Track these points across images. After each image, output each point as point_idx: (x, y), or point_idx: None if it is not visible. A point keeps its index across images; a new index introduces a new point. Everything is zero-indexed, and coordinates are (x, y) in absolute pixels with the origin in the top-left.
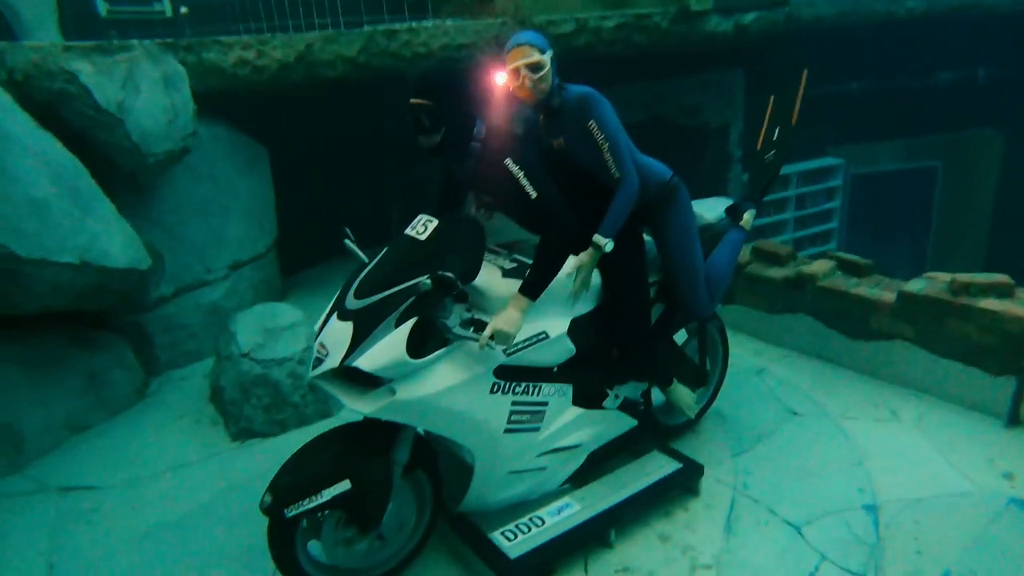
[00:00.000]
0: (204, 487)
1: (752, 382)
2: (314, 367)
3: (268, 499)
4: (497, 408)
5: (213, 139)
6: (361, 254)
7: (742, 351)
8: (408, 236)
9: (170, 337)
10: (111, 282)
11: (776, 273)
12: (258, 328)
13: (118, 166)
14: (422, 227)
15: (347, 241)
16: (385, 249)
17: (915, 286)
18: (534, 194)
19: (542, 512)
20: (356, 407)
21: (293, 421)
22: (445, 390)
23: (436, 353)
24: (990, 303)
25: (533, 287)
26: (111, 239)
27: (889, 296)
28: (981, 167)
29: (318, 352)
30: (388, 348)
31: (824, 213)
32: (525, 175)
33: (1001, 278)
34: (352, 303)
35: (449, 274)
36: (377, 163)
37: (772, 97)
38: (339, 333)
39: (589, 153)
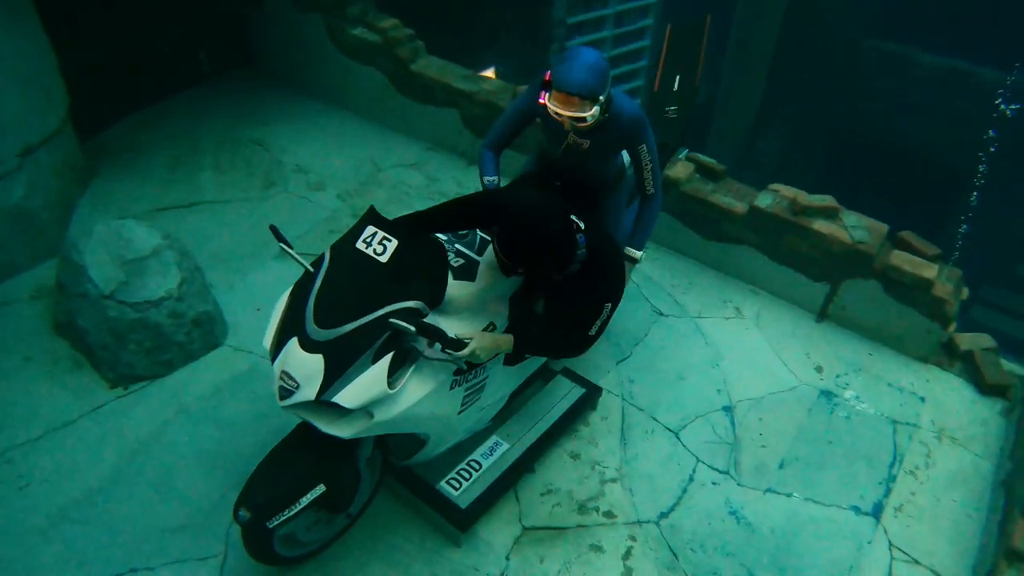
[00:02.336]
0: (101, 448)
1: None
2: (281, 397)
3: (246, 515)
4: (454, 399)
5: None
6: (302, 261)
7: None
8: (365, 255)
9: None
10: None
11: None
12: (112, 259)
13: None
14: (379, 246)
15: (283, 246)
16: (332, 264)
17: (763, 201)
18: (594, 332)
19: (476, 455)
20: (332, 431)
21: (180, 359)
22: (416, 403)
23: (407, 375)
24: (821, 225)
25: (522, 350)
26: None
27: (741, 207)
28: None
29: (283, 381)
30: (369, 385)
31: (639, 31)
32: (607, 317)
33: (830, 202)
34: (317, 332)
35: (433, 326)
36: None
37: (669, 27)
38: (309, 365)
39: (609, 159)
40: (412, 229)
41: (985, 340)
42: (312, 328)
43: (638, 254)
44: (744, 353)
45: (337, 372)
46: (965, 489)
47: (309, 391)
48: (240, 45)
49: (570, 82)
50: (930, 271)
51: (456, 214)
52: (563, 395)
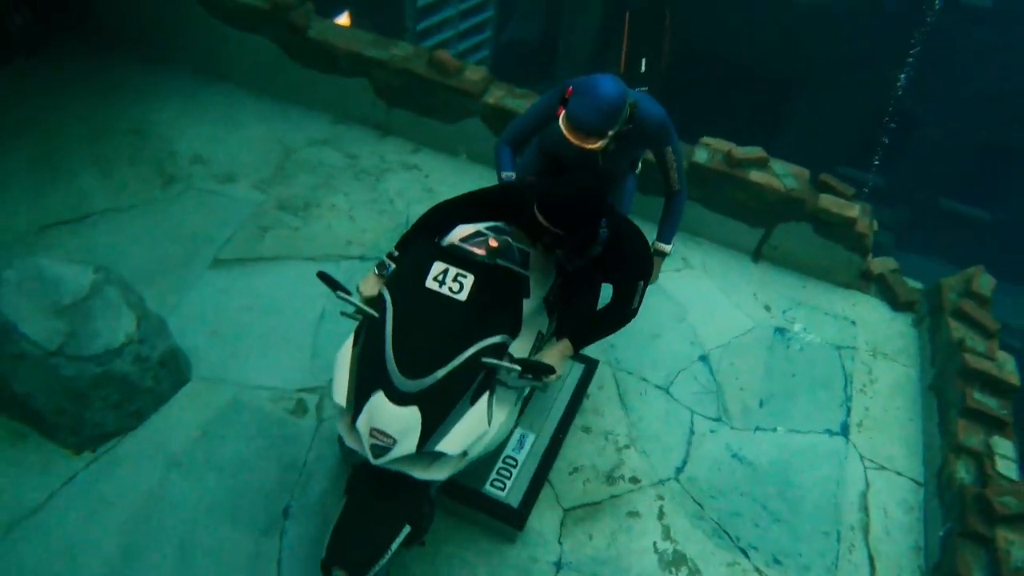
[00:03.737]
0: (93, 526)
1: None
2: (375, 456)
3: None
4: (516, 414)
5: None
6: (367, 309)
7: None
8: (440, 295)
9: None
10: None
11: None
12: (43, 308)
13: None
14: (455, 283)
15: (340, 293)
16: (398, 307)
17: (700, 156)
18: (636, 305)
19: (509, 452)
20: (429, 477)
21: (150, 406)
22: (499, 429)
23: (495, 404)
24: (757, 176)
25: (580, 348)
26: None
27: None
28: None
29: (375, 439)
30: (472, 428)
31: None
32: (642, 291)
33: (760, 153)
34: (406, 383)
35: (535, 361)
36: None
37: (627, 13)
38: (404, 419)
39: (627, 159)
40: (483, 261)
41: (890, 263)
42: (399, 379)
43: (668, 247)
44: (703, 303)
45: (436, 422)
46: (903, 397)
47: (408, 445)
48: (71, 2)
49: (580, 124)
50: (852, 211)
51: (479, 207)
52: (567, 375)
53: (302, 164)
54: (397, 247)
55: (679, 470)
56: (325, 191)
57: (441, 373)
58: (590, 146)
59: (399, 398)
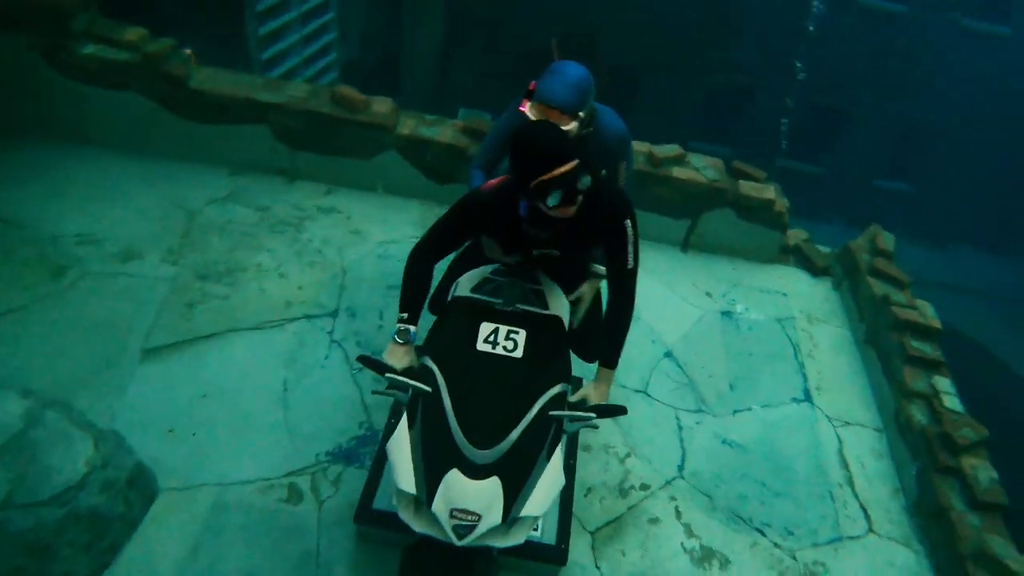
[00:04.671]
0: None
1: None
2: (460, 537)
3: None
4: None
5: None
6: (419, 385)
7: None
8: (495, 356)
9: None
10: None
11: None
12: None
13: None
14: (508, 342)
15: (390, 375)
16: (450, 377)
17: None
18: (632, 263)
19: None
20: (510, 543)
21: (124, 534)
22: (561, 474)
23: (557, 451)
24: (679, 172)
25: (616, 358)
26: None
27: None
28: None
29: (458, 520)
30: (552, 485)
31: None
32: (634, 241)
33: (678, 151)
34: (481, 455)
35: (607, 405)
36: None
37: (554, 41)
38: (486, 493)
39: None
40: (534, 315)
41: (802, 234)
42: (472, 452)
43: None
44: (651, 301)
45: (518, 487)
46: (845, 355)
47: (494, 518)
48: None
49: (552, 97)
50: (769, 192)
51: (451, 234)
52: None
53: (210, 226)
54: (404, 309)
55: (680, 467)
56: (245, 251)
57: (515, 436)
58: (563, 127)
59: (476, 472)
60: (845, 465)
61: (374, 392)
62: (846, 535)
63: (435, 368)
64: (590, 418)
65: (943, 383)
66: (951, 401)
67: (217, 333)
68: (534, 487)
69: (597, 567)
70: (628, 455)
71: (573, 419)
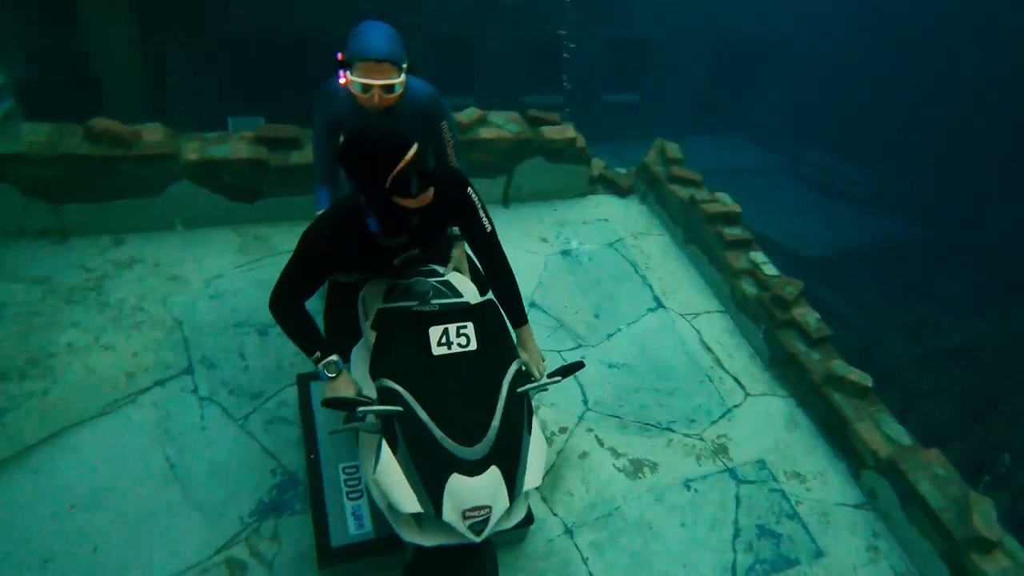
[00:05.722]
0: None
1: None
2: (478, 533)
3: None
4: None
5: None
6: (390, 408)
7: None
8: (453, 356)
9: None
10: None
11: None
12: None
13: None
14: (461, 339)
15: (362, 408)
16: (416, 389)
17: None
18: (489, 226)
19: None
20: (515, 520)
21: None
22: (543, 440)
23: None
24: (485, 132)
25: (523, 313)
26: None
27: None
28: None
29: (472, 518)
30: (539, 453)
31: None
32: (482, 206)
33: (480, 112)
34: (472, 452)
35: (570, 365)
36: None
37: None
38: (489, 484)
39: (424, 146)
40: (473, 306)
41: (600, 163)
42: (464, 452)
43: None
44: None
45: (514, 468)
46: (673, 258)
47: (502, 503)
48: None
49: (374, 48)
50: (570, 131)
51: (309, 275)
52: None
53: None
54: (312, 351)
55: (585, 401)
56: (42, 334)
57: (496, 423)
58: (391, 82)
59: (474, 468)
60: (709, 349)
61: (331, 432)
62: (731, 405)
63: (397, 387)
64: (556, 382)
65: (759, 256)
66: (769, 268)
67: (56, 433)
68: (527, 462)
69: (555, 514)
70: (538, 407)
71: (539, 388)
